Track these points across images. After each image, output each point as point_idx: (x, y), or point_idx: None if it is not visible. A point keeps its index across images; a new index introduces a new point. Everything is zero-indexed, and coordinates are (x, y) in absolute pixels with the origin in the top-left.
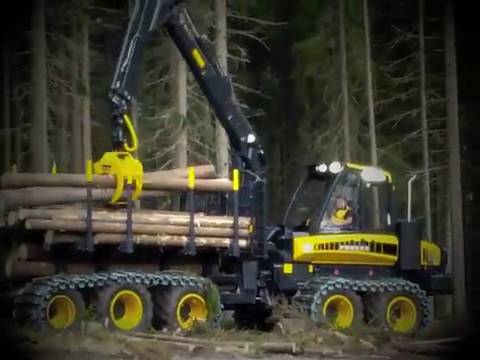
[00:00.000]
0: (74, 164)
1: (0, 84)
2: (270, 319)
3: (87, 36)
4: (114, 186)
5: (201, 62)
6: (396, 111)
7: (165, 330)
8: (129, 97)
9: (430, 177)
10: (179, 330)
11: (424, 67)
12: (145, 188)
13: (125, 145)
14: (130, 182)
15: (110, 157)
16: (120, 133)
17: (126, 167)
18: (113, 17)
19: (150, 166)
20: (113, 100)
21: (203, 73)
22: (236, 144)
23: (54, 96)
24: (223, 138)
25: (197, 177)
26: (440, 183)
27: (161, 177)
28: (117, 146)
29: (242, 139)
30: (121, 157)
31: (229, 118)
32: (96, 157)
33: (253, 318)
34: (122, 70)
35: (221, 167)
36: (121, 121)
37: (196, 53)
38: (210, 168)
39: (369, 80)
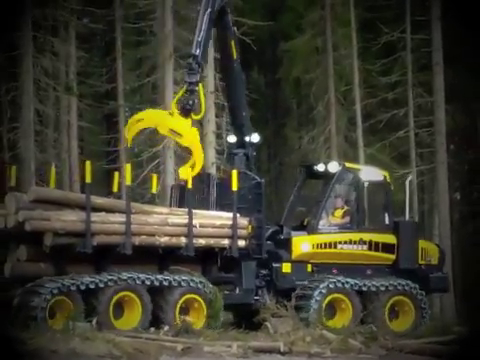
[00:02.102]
0: (61, 164)
1: None
2: (258, 318)
3: (74, 36)
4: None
5: (235, 54)
6: (383, 110)
7: (153, 330)
8: (202, 65)
9: (417, 176)
10: (166, 329)
11: (411, 66)
12: None
13: (192, 113)
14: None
15: (181, 123)
16: (195, 101)
17: (197, 140)
18: (100, 17)
19: (138, 166)
20: (192, 66)
21: (235, 65)
22: (241, 142)
23: (41, 96)
24: (210, 138)
25: None
26: (427, 182)
27: None
28: (186, 113)
29: (247, 138)
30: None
31: (244, 114)
32: (83, 157)
33: (241, 318)
34: (199, 39)
35: (208, 166)
36: (196, 88)
37: (233, 44)
38: None
39: (356, 79)
